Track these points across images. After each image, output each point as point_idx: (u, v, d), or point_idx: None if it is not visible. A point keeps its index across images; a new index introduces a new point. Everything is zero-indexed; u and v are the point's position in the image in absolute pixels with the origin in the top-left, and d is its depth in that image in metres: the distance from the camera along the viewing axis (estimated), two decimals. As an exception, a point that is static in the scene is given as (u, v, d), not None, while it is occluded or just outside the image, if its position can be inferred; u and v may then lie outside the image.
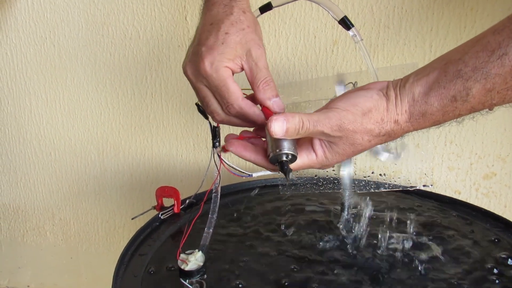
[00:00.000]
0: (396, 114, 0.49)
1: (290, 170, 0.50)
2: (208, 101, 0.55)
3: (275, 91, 0.54)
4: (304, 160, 0.52)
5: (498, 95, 0.45)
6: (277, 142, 0.50)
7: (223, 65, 0.53)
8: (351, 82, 0.64)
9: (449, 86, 0.46)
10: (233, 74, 0.54)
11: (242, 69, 0.55)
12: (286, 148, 0.50)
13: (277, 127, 0.48)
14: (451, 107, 0.46)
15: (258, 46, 0.55)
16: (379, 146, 0.61)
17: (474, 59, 0.45)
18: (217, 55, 0.53)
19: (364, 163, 0.90)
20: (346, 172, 0.66)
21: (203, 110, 0.58)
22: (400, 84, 0.49)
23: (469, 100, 0.45)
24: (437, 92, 0.46)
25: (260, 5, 0.63)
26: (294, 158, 0.50)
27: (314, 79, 0.91)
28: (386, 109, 0.49)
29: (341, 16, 0.58)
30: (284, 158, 0.50)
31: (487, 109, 0.48)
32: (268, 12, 0.63)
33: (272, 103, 0.54)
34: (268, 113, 0.53)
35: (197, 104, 0.60)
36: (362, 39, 0.58)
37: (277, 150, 0.50)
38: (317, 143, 0.52)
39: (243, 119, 0.55)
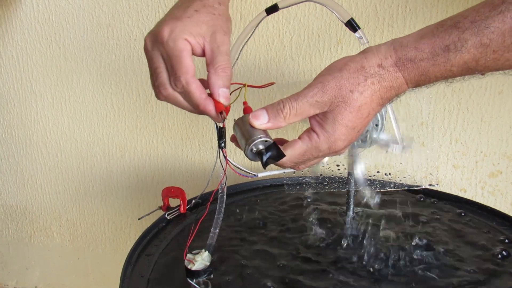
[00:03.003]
0: (379, 58, 0.46)
1: (270, 158, 0.48)
2: (159, 72, 0.53)
3: (228, 82, 0.52)
4: (306, 143, 0.49)
5: (494, 54, 0.43)
6: (248, 133, 0.49)
7: (183, 37, 0.51)
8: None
9: (444, 36, 0.44)
10: (192, 51, 0.52)
11: (202, 51, 0.53)
12: (257, 135, 0.48)
13: (259, 114, 0.48)
14: (443, 58, 0.44)
15: (224, 32, 0.54)
16: (385, 137, 0.60)
17: (474, 13, 0.43)
18: (180, 25, 0.52)
19: (370, 162, 0.89)
20: (358, 170, 0.65)
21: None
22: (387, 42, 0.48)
23: (463, 52, 0.43)
24: (430, 40, 0.44)
25: (266, 6, 0.63)
26: (269, 143, 0.48)
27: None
28: (365, 57, 0.47)
29: (348, 18, 0.57)
30: (261, 147, 0.48)
31: (479, 74, 0.46)
32: (273, 13, 0.63)
33: (220, 92, 0.52)
34: (217, 103, 0.52)
35: None
36: (368, 42, 0.58)
37: (249, 141, 0.48)
38: (313, 122, 0.49)
39: (187, 99, 0.52)
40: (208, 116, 0.53)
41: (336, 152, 0.50)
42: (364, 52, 0.48)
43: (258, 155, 0.49)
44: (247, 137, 0.49)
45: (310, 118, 0.49)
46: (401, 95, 0.48)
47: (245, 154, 0.50)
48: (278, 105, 0.48)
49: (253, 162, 0.55)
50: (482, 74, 0.46)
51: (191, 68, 0.51)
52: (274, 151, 0.48)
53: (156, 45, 0.52)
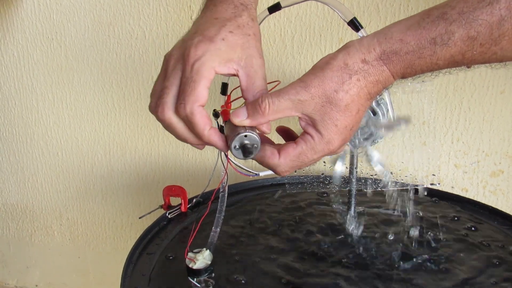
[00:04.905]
0: (362, 53, 0.45)
1: (251, 151, 0.48)
2: (168, 92, 0.48)
3: (268, 112, 0.49)
4: (301, 145, 0.48)
5: (481, 48, 0.42)
6: (230, 132, 0.49)
7: (211, 65, 0.48)
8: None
9: (430, 28, 0.42)
10: (220, 73, 0.49)
11: (233, 74, 0.50)
12: (241, 130, 0.48)
13: (239, 111, 0.47)
14: (429, 51, 0.43)
15: (260, 56, 0.50)
16: (375, 156, 0.59)
17: (462, 3, 0.41)
18: (212, 49, 0.48)
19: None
20: (337, 168, 0.64)
21: (216, 113, 0.56)
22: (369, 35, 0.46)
23: (449, 45, 0.42)
24: (416, 32, 0.43)
25: (268, 5, 0.63)
26: (252, 137, 0.48)
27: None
28: (347, 53, 0.45)
29: (350, 17, 0.57)
30: (246, 141, 0.48)
31: (465, 67, 0.44)
32: (275, 12, 0.63)
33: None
34: (225, 114, 0.51)
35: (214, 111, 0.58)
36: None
37: (233, 136, 0.48)
38: (304, 124, 0.48)
39: (190, 128, 0.49)
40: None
41: (332, 152, 0.49)
42: (346, 47, 0.46)
43: (242, 149, 0.48)
44: (230, 136, 0.48)
45: (300, 120, 0.48)
46: (389, 87, 0.47)
47: (232, 154, 0.49)
48: (257, 101, 0.47)
49: (254, 162, 0.55)
50: (468, 67, 0.45)
51: (202, 98, 0.47)
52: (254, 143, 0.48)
53: (180, 63, 0.49)
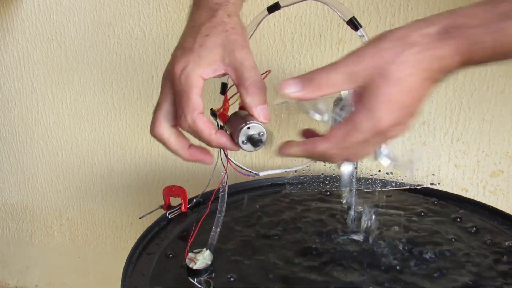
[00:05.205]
0: (423, 27, 0.41)
1: (259, 139, 0.48)
2: (160, 109, 0.51)
3: (264, 96, 0.49)
4: (345, 123, 0.44)
5: None
6: (234, 127, 0.49)
7: (196, 73, 0.48)
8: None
9: (498, 5, 0.39)
10: (209, 78, 0.49)
11: (223, 74, 0.50)
12: (242, 124, 0.48)
13: (290, 81, 0.44)
14: (496, 25, 0.39)
15: (242, 47, 0.49)
16: (384, 151, 0.58)
17: None
18: (192, 59, 0.48)
19: (371, 161, 0.89)
20: (345, 169, 0.63)
21: (213, 112, 0.57)
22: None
23: None
24: (482, 7, 0.40)
25: (267, 5, 0.63)
26: (255, 126, 0.48)
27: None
28: (407, 27, 0.42)
29: (350, 16, 0.57)
30: (251, 132, 0.48)
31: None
32: (274, 12, 0.63)
33: (259, 111, 0.48)
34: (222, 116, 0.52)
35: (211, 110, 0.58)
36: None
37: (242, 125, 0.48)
38: (354, 99, 0.44)
39: (197, 137, 0.49)
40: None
41: (381, 132, 0.43)
42: (407, 24, 0.43)
43: (250, 141, 0.49)
44: (233, 134, 0.49)
45: (352, 96, 0.44)
46: (454, 72, 0.43)
47: (244, 150, 0.49)
48: (310, 74, 0.44)
49: (254, 162, 0.55)
50: None
51: (198, 106, 0.48)
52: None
53: (168, 80, 0.50)
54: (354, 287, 0.56)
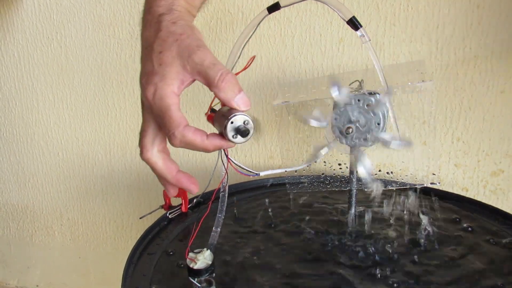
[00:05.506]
0: None
1: (246, 128, 0.49)
2: (145, 136, 0.53)
3: (236, 86, 0.49)
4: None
5: None
6: (220, 125, 0.50)
7: (167, 92, 0.49)
8: (357, 80, 0.64)
9: None
10: (181, 91, 0.50)
11: (192, 81, 0.51)
12: (225, 121, 0.49)
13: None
14: None
15: (196, 48, 0.49)
16: (387, 136, 0.59)
17: None
18: (158, 80, 0.49)
19: (371, 161, 0.89)
20: (363, 168, 0.63)
21: (214, 110, 0.57)
22: None
23: None
24: None
25: (267, 5, 0.63)
26: (237, 117, 0.49)
27: (320, 78, 0.91)
28: None
29: (349, 16, 0.57)
30: (237, 125, 0.49)
31: None
32: (274, 12, 0.63)
33: (237, 101, 0.49)
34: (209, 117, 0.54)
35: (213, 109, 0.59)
36: (370, 40, 0.57)
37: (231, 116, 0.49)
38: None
39: (192, 149, 0.50)
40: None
41: None
42: None
43: (239, 133, 0.49)
44: (223, 121, 0.50)
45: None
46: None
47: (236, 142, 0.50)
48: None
49: (254, 161, 0.55)
50: None
51: (182, 120, 0.48)
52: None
53: (146, 109, 0.52)
54: (355, 287, 0.56)
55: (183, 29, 0.51)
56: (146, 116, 0.53)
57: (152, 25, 0.53)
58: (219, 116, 0.52)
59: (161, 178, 0.56)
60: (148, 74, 0.50)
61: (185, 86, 0.50)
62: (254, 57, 0.57)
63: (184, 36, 0.50)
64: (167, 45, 0.50)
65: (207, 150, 0.50)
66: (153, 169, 0.55)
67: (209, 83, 0.49)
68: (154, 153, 0.53)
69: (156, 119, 0.51)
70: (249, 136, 0.50)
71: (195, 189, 0.56)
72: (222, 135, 0.50)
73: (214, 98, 0.55)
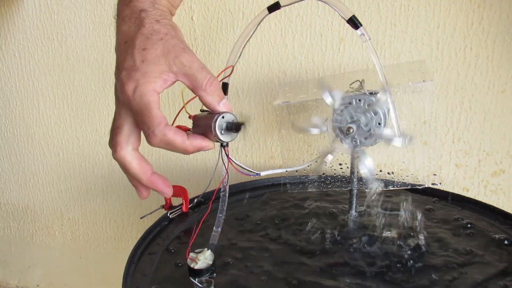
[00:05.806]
0: None
1: (236, 125, 0.50)
2: (120, 132, 0.50)
3: (221, 92, 0.50)
4: None
5: None
6: (207, 125, 0.51)
7: (149, 89, 0.47)
8: (358, 80, 0.64)
9: None
10: (163, 90, 0.49)
11: (174, 82, 0.50)
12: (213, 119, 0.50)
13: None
14: None
15: (183, 50, 0.49)
16: (389, 132, 0.59)
17: None
18: (139, 77, 0.48)
19: (372, 161, 0.89)
20: (366, 170, 0.63)
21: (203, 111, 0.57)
22: None
23: None
24: None
25: (268, 5, 0.63)
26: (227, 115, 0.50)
27: (321, 78, 0.91)
28: None
29: (350, 15, 0.57)
30: (227, 121, 0.50)
31: None
32: (274, 11, 0.63)
33: (222, 106, 0.50)
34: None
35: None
36: (370, 38, 0.57)
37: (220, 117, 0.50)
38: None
39: (172, 149, 0.49)
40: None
41: None
42: None
43: (229, 129, 0.50)
44: (208, 132, 0.50)
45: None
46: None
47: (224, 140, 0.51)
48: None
49: (255, 162, 0.55)
50: None
51: (162, 119, 0.48)
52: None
53: (123, 103, 0.50)
54: (354, 287, 0.56)
55: (167, 28, 0.51)
56: (122, 112, 0.50)
57: (132, 20, 0.52)
58: (202, 117, 0.52)
59: (134, 179, 0.53)
60: (128, 70, 0.49)
61: (166, 86, 0.49)
62: (232, 67, 0.57)
63: (169, 36, 0.50)
64: (151, 42, 0.49)
65: (186, 152, 0.50)
66: (126, 169, 0.52)
67: (196, 86, 0.49)
68: (129, 152, 0.51)
69: (134, 116, 0.49)
70: (238, 132, 0.50)
71: (169, 193, 0.54)
72: (204, 135, 0.50)
73: (188, 101, 0.55)
